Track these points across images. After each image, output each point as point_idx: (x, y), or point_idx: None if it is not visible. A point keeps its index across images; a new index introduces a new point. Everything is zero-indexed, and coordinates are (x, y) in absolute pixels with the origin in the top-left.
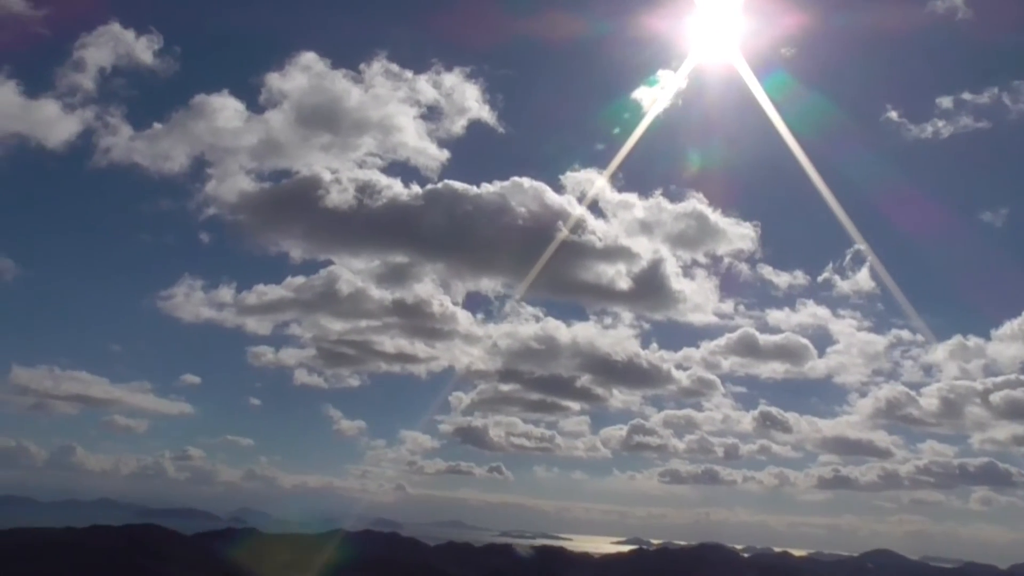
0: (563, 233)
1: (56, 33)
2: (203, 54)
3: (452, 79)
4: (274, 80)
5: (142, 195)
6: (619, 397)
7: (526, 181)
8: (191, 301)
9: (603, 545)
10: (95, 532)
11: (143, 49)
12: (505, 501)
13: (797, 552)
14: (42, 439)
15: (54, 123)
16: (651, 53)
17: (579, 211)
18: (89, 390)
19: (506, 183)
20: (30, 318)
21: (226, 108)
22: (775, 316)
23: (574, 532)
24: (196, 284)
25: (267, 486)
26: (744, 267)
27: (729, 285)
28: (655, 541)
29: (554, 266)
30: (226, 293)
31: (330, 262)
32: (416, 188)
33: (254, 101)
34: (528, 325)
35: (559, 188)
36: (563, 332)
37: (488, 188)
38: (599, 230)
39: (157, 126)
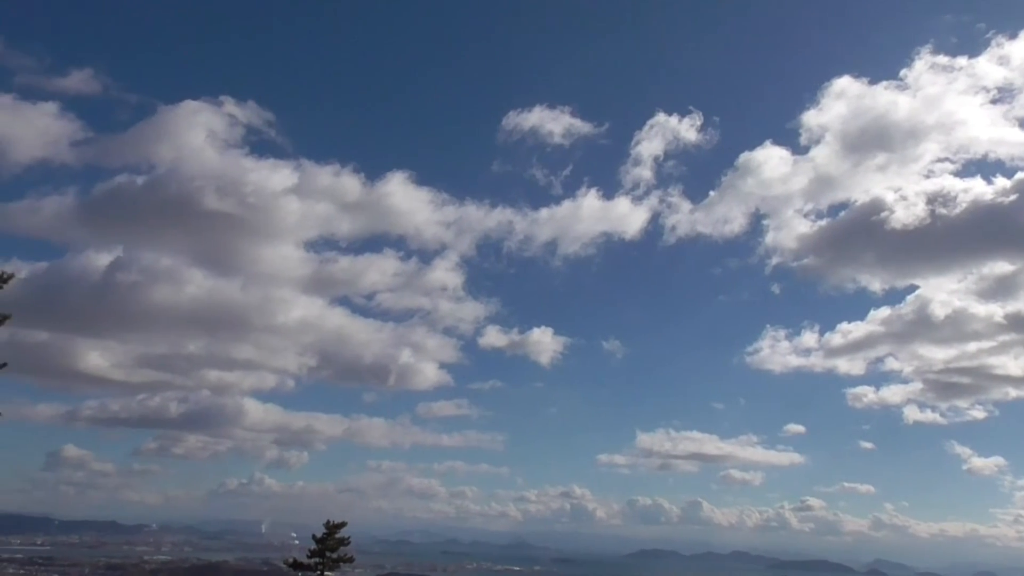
0: None
1: (615, 139)
2: (738, 115)
3: (1022, 46)
4: (811, 117)
5: (711, 260)
6: None
7: None
8: (777, 351)
9: None
10: None
11: (687, 129)
12: None
13: None
14: (671, 496)
15: (627, 216)
16: None
17: None
18: (703, 448)
19: None
20: (641, 388)
21: (771, 159)
22: None
23: None
24: (779, 334)
25: (899, 535)
26: None
27: None
28: None
29: None
30: (810, 338)
31: (914, 286)
32: (1003, 182)
33: (796, 143)
34: None
35: None
36: None
37: None
38: None
39: (712, 194)
